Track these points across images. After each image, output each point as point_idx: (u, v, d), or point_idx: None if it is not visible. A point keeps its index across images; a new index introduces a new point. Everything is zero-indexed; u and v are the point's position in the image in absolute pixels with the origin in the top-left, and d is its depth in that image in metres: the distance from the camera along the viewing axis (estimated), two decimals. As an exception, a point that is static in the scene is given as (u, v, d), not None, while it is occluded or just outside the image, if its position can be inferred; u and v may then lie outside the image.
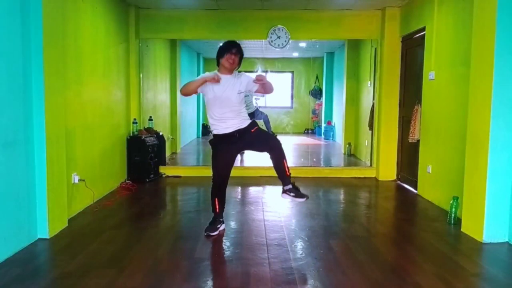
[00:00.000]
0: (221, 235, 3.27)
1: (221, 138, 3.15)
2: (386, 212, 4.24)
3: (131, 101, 5.46)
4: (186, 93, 3.12)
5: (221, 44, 3.18)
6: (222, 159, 3.23)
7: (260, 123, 6.74)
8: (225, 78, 3.08)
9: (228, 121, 3.10)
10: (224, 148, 3.18)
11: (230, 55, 3.07)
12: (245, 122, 3.16)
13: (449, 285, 2.42)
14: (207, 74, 3.09)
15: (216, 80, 2.97)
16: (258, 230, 3.45)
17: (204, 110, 11.70)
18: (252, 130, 3.17)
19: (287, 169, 3.18)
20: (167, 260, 2.77)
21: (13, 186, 2.85)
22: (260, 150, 3.31)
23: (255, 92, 3.26)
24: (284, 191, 3.22)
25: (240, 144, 3.21)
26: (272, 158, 3.20)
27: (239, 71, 3.25)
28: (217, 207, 3.30)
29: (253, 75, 3.15)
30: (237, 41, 3.24)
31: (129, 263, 2.69)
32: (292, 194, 3.19)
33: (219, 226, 3.30)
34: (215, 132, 3.17)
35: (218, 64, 3.16)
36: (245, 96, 3.25)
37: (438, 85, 4.31)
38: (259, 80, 3.01)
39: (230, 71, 3.13)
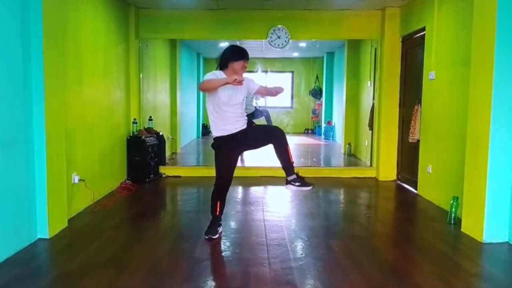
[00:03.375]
0: (220, 237, 3.26)
1: (223, 140, 3.10)
2: (386, 212, 4.23)
3: (131, 101, 5.46)
4: (205, 90, 3.05)
5: (227, 47, 3.14)
6: (226, 161, 3.18)
7: (262, 121, 6.73)
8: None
9: (232, 123, 3.06)
10: (227, 150, 3.14)
11: (245, 62, 3.08)
12: (245, 123, 3.15)
13: (449, 285, 2.42)
14: (230, 77, 2.89)
15: (240, 83, 2.87)
16: (258, 230, 3.45)
17: (204, 110, 11.70)
18: (251, 127, 3.16)
19: (290, 157, 3.10)
20: (167, 260, 2.77)
21: (13, 186, 2.85)
22: (264, 143, 3.21)
23: (255, 94, 3.26)
24: (288, 182, 3.12)
25: (242, 145, 3.19)
26: (275, 146, 3.11)
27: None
28: (217, 210, 3.25)
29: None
30: (237, 42, 3.25)
31: (129, 263, 2.69)
32: (297, 183, 3.08)
33: (218, 228, 3.27)
34: (216, 134, 3.12)
35: (225, 66, 3.07)
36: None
37: (438, 85, 4.31)
38: (277, 92, 3.09)
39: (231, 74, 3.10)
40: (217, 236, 3.21)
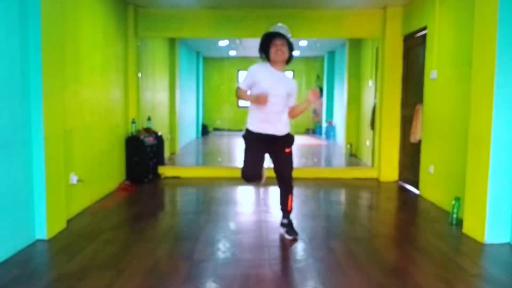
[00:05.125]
0: (221, 236, 3.25)
1: (251, 134, 3.12)
2: (387, 213, 4.21)
3: (129, 101, 5.44)
4: (238, 98, 3.18)
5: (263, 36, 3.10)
6: (251, 152, 3.14)
7: None
8: (277, 73, 3.04)
9: (266, 121, 3.05)
10: (256, 141, 3.12)
11: (276, 45, 2.98)
12: (285, 128, 3.14)
13: (451, 286, 2.39)
14: (259, 97, 2.92)
15: (263, 103, 2.90)
16: (258, 231, 3.43)
17: (204, 110, 11.69)
18: (286, 150, 3.16)
19: (290, 205, 3.24)
20: (166, 262, 2.75)
21: (11, 186, 2.83)
22: (274, 165, 3.23)
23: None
24: (281, 224, 3.31)
25: (269, 148, 3.15)
26: (280, 187, 3.24)
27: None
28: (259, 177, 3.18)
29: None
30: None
31: (128, 265, 2.66)
32: (284, 229, 3.25)
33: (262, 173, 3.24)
34: (248, 126, 3.14)
35: (268, 58, 3.05)
36: None
37: (440, 84, 4.28)
38: (314, 95, 2.97)
39: (280, 67, 3.06)
40: (263, 180, 3.28)
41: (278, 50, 2.97)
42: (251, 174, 3.14)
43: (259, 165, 3.15)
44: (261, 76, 3.02)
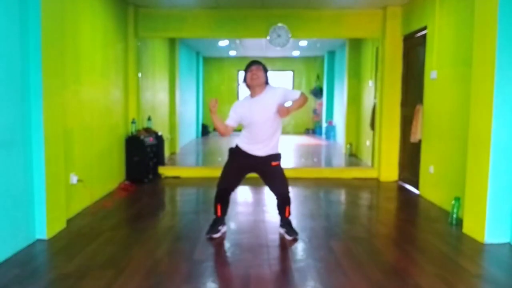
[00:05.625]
0: (223, 237, 3.24)
1: (240, 152, 3.19)
2: (387, 213, 4.21)
3: (129, 101, 5.44)
4: (224, 134, 3.14)
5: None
6: (232, 169, 3.24)
7: None
8: (256, 100, 3.09)
9: (258, 144, 3.12)
10: (240, 160, 3.20)
11: (250, 72, 3.08)
12: (273, 150, 3.17)
13: (450, 286, 2.39)
14: (209, 104, 3.01)
15: (213, 106, 2.95)
16: (258, 231, 3.43)
17: (204, 110, 11.69)
18: (273, 164, 3.18)
19: (288, 213, 3.28)
20: (166, 262, 2.75)
21: (11, 186, 2.83)
22: (267, 184, 3.29)
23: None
24: (280, 225, 3.33)
25: (255, 167, 3.21)
26: (278, 200, 3.27)
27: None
28: (219, 211, 3.27)
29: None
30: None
31: (127, 265, 2.66)
32: (284, 229, 3.26)
33: (220, 228, 3.27)
34: (240, 145, 3.20)
35: (246, 85, 3.16)
36: None
37: (440, 84, 4.28)
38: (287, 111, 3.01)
39: (260, 90, 3.10)
40: (218, 235, 3.21)
41: (253, 75, 3.07)
42: (225, 187, 3.24)
43: (235, 183, 3.29)
44: (244, 110, 3.12)
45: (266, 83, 3.14)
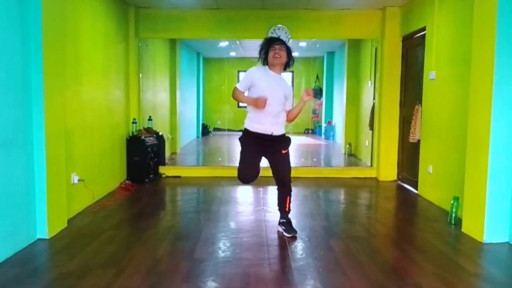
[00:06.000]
0: (221, 235, 3.26)
1: (249, 135, 3.16)
2: (386, 213, 4.22)
3: (130, 101, 5.45)
4: (234, 99, 3.18)
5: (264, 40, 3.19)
6: (247, 154, 3.18)
7: None
8: (273, 76, 3.10)
9: (263, 123, 3.10)
10: (250, 144, 3.16)
11: (274, 49, 3.05)
12: (280, 129, 3.17)
13: (450, 285, 2.41)
14: (258, 100, 3.00)
15: (262, 107, 2.97)
16: (258, 230, 3.44)
17: (204, 110, 11.70)
18: (283, 152, 3.18)
19: (288, 206, 3.29)
20: (166, 261, 2.76)
21: (12, 186, 2.84)
22: (271, 168, 3.26)
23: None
24: (279, 223, 3.34)
25: (266, 151, 3.19)
26: (278, 189, 3.29)
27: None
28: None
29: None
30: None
31: (128, 264, 2.68)
32: (282, 227, 3.29)
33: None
34: (248, 127, 3.17)
35: (264, 61, 3.14)
36: None
37: (438, 84, 4.30)
38: (308, 95, 3.06)
39: (278, 70, 3.12)
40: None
41: (276, 54, 3.05)
42: (247, 175, 3.19)
43: (255, 167, 3.21)
44: (260, 78, 3.08)
45: (287, 64, 3.14)
